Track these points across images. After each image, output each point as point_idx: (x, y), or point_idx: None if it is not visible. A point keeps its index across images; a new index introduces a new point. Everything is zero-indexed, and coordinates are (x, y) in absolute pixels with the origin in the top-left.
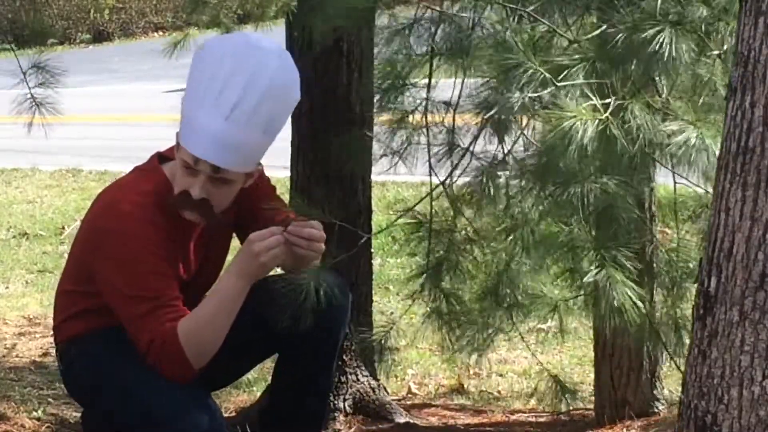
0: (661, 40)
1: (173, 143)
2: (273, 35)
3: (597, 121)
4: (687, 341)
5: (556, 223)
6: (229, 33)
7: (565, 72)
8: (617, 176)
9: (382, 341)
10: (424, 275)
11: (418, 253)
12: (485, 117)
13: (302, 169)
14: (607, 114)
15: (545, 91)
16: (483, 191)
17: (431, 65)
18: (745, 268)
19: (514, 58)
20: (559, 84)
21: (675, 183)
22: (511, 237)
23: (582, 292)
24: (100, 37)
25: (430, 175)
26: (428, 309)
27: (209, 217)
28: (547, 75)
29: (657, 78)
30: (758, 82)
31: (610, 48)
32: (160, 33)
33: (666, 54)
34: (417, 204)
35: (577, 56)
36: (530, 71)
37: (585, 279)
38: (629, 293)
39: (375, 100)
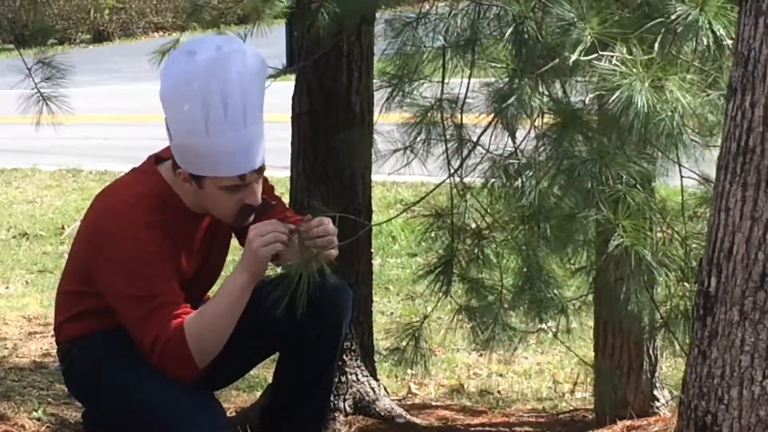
0: (686, 15)
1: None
2: (273, 36)
3: (646, 89)
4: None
5: (571, 210)
6: (171, 58)
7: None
8: (645, 154)
9: (415, 338)
10: (439, 269)
11: (435, 247)
12: (502, 107)
13: (302, 169)
14: (646, 85)
15: (592, 56)
16: (500, 182)
17: (444, 58)
18: (745, 268)
19: (570, 16)
20: (602, 54)
21: (681, 176)
22: (528, 226)
23: (591, 290)
24: (100, 37)
25: (449, 168)
26: (458, 305)
27: (268, 210)
28: (596, 40)
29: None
30: (758, 82)
31: (634, 25)
32: (160, 33)
33: (695, 26)
34: (429, 194)
35: (612, 30)
36: (584, 33)
37: (609, 248)
38: (650, 255)
39: (385, 95)
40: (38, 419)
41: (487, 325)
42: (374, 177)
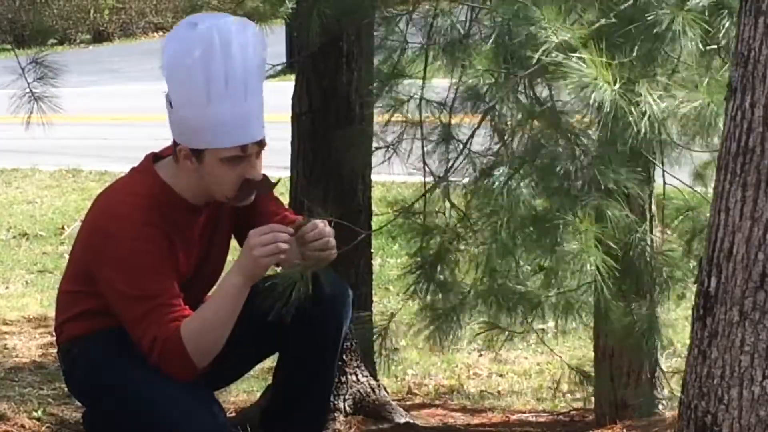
0: (664, 20)
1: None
2: (273, 35)
3: (612, 91)
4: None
5: (548, 211)
6: (173, 30)
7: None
8: (619, 164)
9: (382, 335)
10: (419, 271)
11: (412, 249)
12: (482, 111)
13: (302, 169)
14: (615, 88)
15: (558, 58)
16: (477, 185)
17: (426, 57)
18: (745, 268)
19: (535, 19)
20: (571, 55)
21: (664, 182)
22: (498, 224)
23: (557, 290)
24: (100, 37)
25: (424, 170)
26: (421, 305)
27: (270, 187)
28: (562, 43)
29: (660, 58)
30: (758, 82)
31: (614, 30)
32: (160, 33)
33: (670, 33)
34: (416, 202)
35: (585, 33)
36: (549, 36)
37: (561, 249)
38: (602, 265)
39: (373, 93)
40: (38, 419)
41: (450, 325)
42: (374, 177)
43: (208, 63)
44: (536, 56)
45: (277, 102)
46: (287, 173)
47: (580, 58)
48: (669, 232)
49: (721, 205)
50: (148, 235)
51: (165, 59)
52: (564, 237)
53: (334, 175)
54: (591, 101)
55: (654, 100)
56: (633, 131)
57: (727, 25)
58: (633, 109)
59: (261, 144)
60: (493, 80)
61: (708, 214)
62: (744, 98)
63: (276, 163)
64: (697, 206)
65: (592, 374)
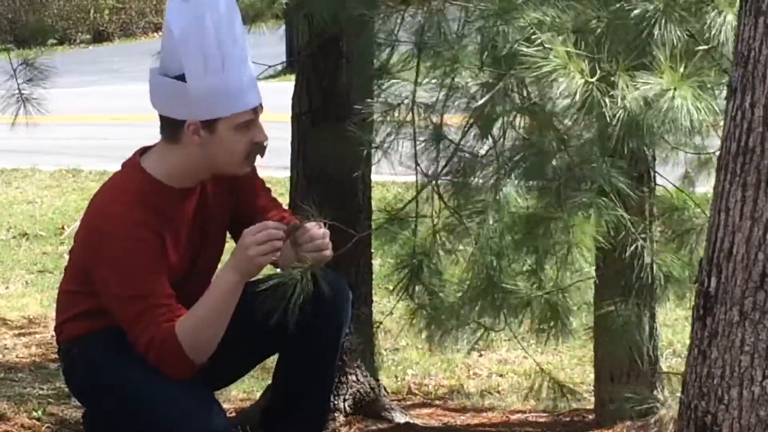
0: (649, 16)
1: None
2: (273, 36)
3: (584, 81)
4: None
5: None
6: (170, 9)
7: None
8: (610, 164)
9: (382, 335)
10: (407, 270)
11: (400, 250)
12: (473, 110)
13: (302, 170)
14: (593, 80)
15: (534, 45)
16: (462, 182)
17: (419, 58)
18: (745, 268)
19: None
20: (547, 45)
21: (655, 182)
22: (487, 222)
23: (547, 289)
24: (100, 37)
25: (416, 171)
26: (414, 305)
27: (263, 151)
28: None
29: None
30: (758, 82)
31: (596, 25)
32: (160, 33)
33: (655, 31)
34: (412, 200)
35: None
36: (526, 19)
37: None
38: (586, 257)
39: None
40: (38, 419)
41: (442, 325)
42: (374, 177)
43: (219, 28)
44: (506, 46)
45: (277, 102)
46: (287, 173)
47: (550, 48)
48: (667, 231)
49: (721, 205)
50: (140, 234)
51: (177, 34)
52: (554, 235)
53: (334, 175)
54: (559, 90)
55: (634, 87)
56: (606, 123)
57: (712, 15)
58: (606, 100)
59: (262, 107)
60: (482, 80)
61: (708, 215)
62: (744, 98)
63: (276, 163)
64: (687, 207)
65: (571, 384)
